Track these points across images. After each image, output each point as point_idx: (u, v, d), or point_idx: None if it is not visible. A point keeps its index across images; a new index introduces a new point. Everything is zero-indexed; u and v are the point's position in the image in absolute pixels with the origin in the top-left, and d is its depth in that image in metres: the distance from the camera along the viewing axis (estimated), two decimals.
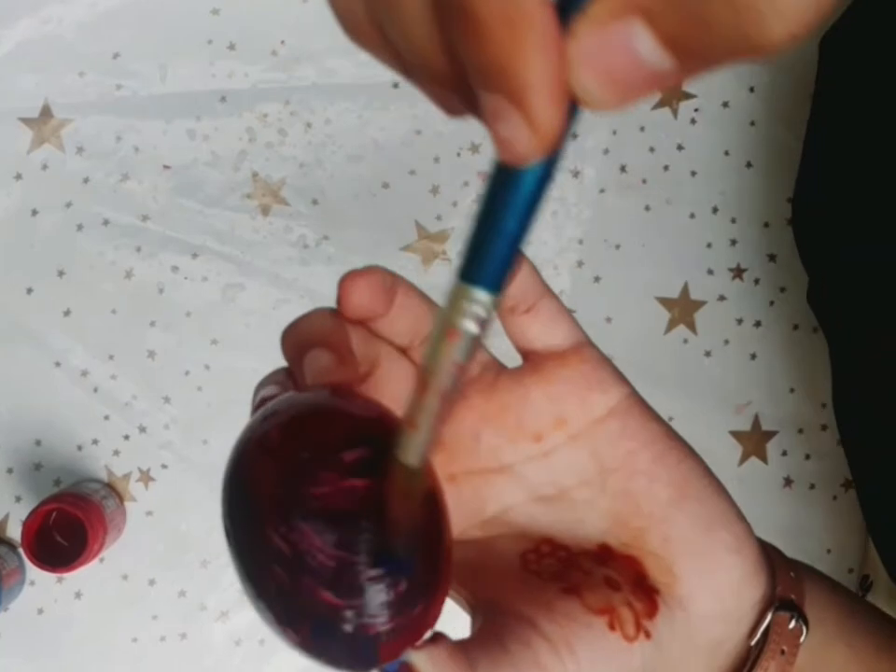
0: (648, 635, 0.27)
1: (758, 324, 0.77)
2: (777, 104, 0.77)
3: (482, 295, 0.19)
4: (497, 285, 0.19)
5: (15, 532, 0.73)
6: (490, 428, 0.29)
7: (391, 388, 0.28)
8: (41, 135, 0.74)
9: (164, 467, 0.74)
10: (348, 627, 0.22)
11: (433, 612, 0.24)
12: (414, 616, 0.23)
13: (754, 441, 0.77)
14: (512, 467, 0.29)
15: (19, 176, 0.74)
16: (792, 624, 0.29)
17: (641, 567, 0.28)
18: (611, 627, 0.26)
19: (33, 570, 0.72)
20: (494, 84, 0.15)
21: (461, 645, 0.25)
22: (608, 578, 0.28)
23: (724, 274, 0.77)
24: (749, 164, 0.77)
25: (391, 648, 0.23)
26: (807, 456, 0.78)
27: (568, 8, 0.15)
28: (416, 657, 0.23)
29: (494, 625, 0.26)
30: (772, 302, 0.77)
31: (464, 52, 0.16)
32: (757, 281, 0.77)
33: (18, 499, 0.74)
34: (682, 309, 0.77)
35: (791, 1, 0.13)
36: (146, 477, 0.74)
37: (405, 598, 0.23)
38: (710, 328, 0.77)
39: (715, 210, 0.77)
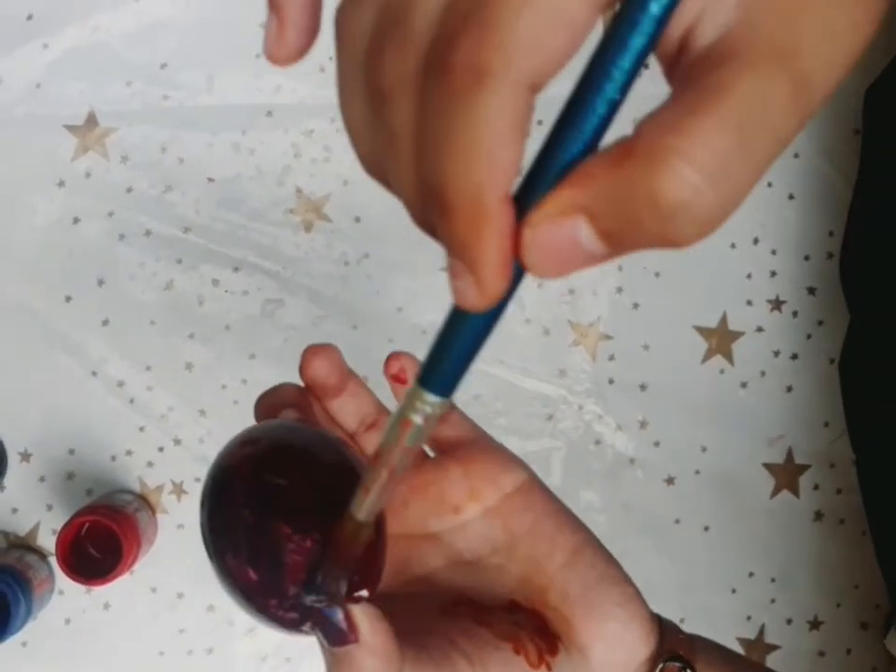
0: (549, 667, 0.32)
1: (794, 356, 0.77)
2: (820, 137, 0.77)
3: (433, 399, 0.23)
4: (447, 392, 0.23)
5: (45, 541, 0.73)
6: (417, 499, 0.35)
7: None
8: (85, 143, 0.74)
9: (198, 480, 0.74)
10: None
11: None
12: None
13: (787, 473, 0.77)
14: (436, 535, 0.35)
15: (62, 184, 0.74)
16: None
17: (544, 619, 0.33)
18: (517, 652, 0.31)
19: (61, 580, 0.71)
20: (456, 254, 0.19)
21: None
22: (514, 621, 0.33)
23: (763, 306, 0.77)
24: (791, 196, 0.77)
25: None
26: (838, 491, 0.78)
27: (526, 201, 0.19)
28: (356, 607, 0.28)
29: (416, 639, 0.30)
30: (809, 335, 0.77)
31: (436, 224, 0.19)
32: (795, 314, 0.77)
33: (49, 508, 0.73)
34: (720, 339, 0.77)
35: (704, 216, 0.17)
36: (178, 490, 0.74)
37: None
38: (747, 359, 0.77)
39: (756, 241, 0.77)
